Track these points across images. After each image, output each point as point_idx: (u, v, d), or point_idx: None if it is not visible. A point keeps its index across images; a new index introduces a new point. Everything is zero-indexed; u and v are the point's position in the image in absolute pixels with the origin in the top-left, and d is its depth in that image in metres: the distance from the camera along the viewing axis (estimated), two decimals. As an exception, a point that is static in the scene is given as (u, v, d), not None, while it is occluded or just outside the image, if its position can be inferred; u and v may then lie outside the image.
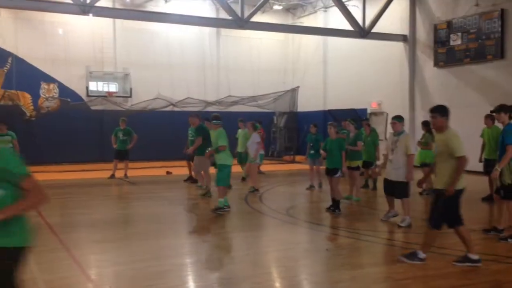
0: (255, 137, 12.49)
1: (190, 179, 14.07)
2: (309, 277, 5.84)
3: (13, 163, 3.24)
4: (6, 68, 19.64)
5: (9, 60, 19.60)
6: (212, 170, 10.81)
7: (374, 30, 18.65)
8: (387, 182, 8.37)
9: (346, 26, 18.75)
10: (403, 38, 19.17)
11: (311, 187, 12.65)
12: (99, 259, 6.46)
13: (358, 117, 17.68)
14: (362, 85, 20.88)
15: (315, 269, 6.14)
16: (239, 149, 14.50)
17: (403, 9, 19.23)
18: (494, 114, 8.21)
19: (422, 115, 18.51)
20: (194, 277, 5.82)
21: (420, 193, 11.98)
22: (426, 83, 18.67)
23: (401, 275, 5.73)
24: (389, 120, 8.98)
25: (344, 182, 11.35)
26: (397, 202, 8.47)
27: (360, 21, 18.50)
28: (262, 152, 12.73)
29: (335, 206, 9.41)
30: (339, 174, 9.52)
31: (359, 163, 11.22)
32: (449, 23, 17.57)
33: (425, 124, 12.20)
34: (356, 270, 5.98)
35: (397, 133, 8.26)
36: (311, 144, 12.54)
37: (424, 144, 11.95)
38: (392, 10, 18.84)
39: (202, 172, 12.22)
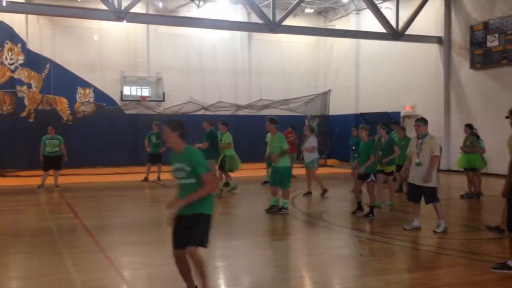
0: (312, 141, 12.37)
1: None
2: (342, 282, 5.78)
3: (197, 161, 4.65)
4: (44, 73, 20.22)
5: (47, 65, 20.17)
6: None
7: (408, 32, 18.36)
8: (412, 187, 8.14)
9: (379, 28, 18.53)
10: (438, 40, 18.81)
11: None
12: (133, 261, 6.56)
13: (391, 120, 17.41)
14: (396, 88, 20.59)
15: (348, 274, 6.06)
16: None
17: (438, 11, 18.89)
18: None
19: (458, 118, 18.14)
20: (226, 280, 5.84)
21: (462, 196, 11.76)
22: (462, 85, 18.26)
23: (437, 282, 5.61)
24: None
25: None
26: (424, 207, 8.28)
27: (393, 23, 18.25)
28: (317, 156, 12.64)
29: (369, 211, 9.33)
30: (371, 178, 9.44)
31: (393, 168, 11.02)
32: (485, 24, 17.15)
33: (469, 127, 11.93)
34: (390, 275, 5.88)
35: (421, 135, 8.08)
36: (354, 148, 12.46)
37: (470, 147, 11.67)
38: (427, 12, 18.52)
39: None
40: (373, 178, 9.51)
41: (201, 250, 4.75)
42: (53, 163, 13.91)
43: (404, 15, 18.44)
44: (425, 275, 5.85)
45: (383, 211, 10.19)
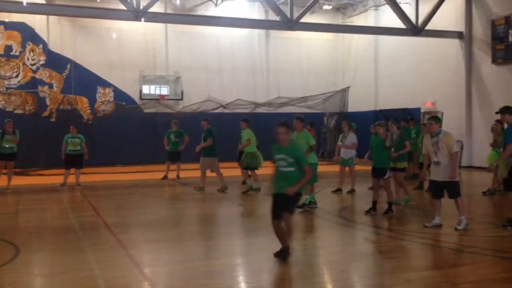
0: (353, 137, 12.30)
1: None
2: (362, 280, 5.76)
3: (301, 155, 6.32)
4: (65, 73, 20.52)
5: (68, 66, 20.47)
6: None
7: (428, 27, 18.13)
8: (434, 184, 8.14)
9: (398, 24, 18.35)
10: (458, 35, 18.54)
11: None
12: (153, 258, 6.63)
13: (409, 116, 17.23)
14: (416, 84, 20.38)
15: (368, 272, 6.04)
16: None
17: (458, 5, 18.61)
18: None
19: (480, 114, 17.89)
20: (246, 277, 5.86)
21: (484, 193, 11.61)
22: (484, 81, 17.98)
23: (459, 279, 5.55)
24: (446, 119, 8.69)
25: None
26: (445, 205, 8.18)
27: (413, 19, 18.05)
28: (355, 153, 12.67)
29: (388, 208, 9.30)
30: (388, 174, 9.53)
31: (405, 164, 10.89)
32: (507, 19, 16.85)
33: (501, 122, 11.77)
34: (411, 273, 5.84)
35: (435, 134, 8.07)
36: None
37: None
38: (447, 6, 18.26)
39: (207, 171, 12.90)
40: (390, 174, 9.60)
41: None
42: (74, 161, 14.12)
43: (424, 10, 18.22)
44: (447, 273, 5.79)
45: (402, 208, 10.10)
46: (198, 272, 5.85)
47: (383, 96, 22.37)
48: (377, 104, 22.67)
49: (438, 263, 6.37)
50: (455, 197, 7.99)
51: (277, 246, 7.36)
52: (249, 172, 12.75)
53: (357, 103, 23.33)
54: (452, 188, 7.96)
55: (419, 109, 20.04)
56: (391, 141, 10.70)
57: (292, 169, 6.14)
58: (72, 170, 14.16)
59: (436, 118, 8.25)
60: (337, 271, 6.05)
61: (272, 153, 6.32)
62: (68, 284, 5.50)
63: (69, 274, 5.81)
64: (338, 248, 7.19)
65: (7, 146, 13.26)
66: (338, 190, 12.30)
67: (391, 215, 9.16)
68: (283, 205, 6.21)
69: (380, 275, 5.85)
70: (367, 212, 9.38)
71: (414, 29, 18.09)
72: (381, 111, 21.59)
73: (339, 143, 12.46)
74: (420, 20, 18.12)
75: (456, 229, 7.83)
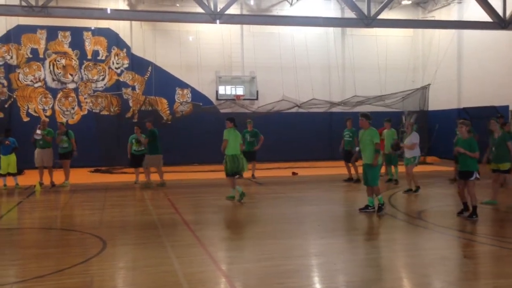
0: (414, 137, 12.02)
1: (351, 180, 14.55)
2: (445, 285, 5.49)
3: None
4: (146, 76, 21.41)
5: (149, 68, 21.34)
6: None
7: (516, 19, 16.98)
8: None
9: (484, 17, 17.34)
10: (551, 26, 17.20)
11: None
12: (230, 256, 6.74)
13: (499, 114, 16.24)
14: (503, 80, 19.15)
15: (452, 277, 5.75)
16: (386, 150, 14.36)
17: (552, -6, 17.26)
18: None
19: None
20: (321, 278, 5.80)
21: None
22: None
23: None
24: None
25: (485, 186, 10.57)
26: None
27: (500, 11, 16.97)
28: (419, 154, 12.39)
29: (472, 212, 8.82)
30: (474, 176, 8.92)
31: (509, 165, 10.21)
32: None
33: None
34: (499, 280, 5.50)
35: None
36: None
37: None
38: (538, -4, 17.00)
39: (151, 169, 14.29)
40: (477, 176, 9.01)
41: None
42: (139, 160, 14.68)
43: (512, 2, 17.08)
44: (540, 282, 5.39)
45: (489, 210, 9.55)
46: (274, 271, 5.86)
47: (467, 93, 21.26)
48: (461, 102, 21.58)
49: (530, 271, 5.94)
50: None
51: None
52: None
53: (438, 101, 22.35)
54: None
55: (507, 106, 18.84)
56: (493, 140, 10.11)
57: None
58: (141, 169, 14.73)
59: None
60: (417, 275, 5.82)
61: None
62: (150, 277, 5.71)
63: (151, 268, 6.04)
64: (417, 252, 6.91)
65: (61, 146, 14.35)
66: (408, 190, 12.10)
67: (475, 219, 8.69)
68: None
69: (465, 281, 5.56)
70: (459, 213, 9.05)
71: (502, 22, 16.99)
72: (465, 109, 20.54)
73: (402, 143, 12.32)
74: (508, 13, 16.98)
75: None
